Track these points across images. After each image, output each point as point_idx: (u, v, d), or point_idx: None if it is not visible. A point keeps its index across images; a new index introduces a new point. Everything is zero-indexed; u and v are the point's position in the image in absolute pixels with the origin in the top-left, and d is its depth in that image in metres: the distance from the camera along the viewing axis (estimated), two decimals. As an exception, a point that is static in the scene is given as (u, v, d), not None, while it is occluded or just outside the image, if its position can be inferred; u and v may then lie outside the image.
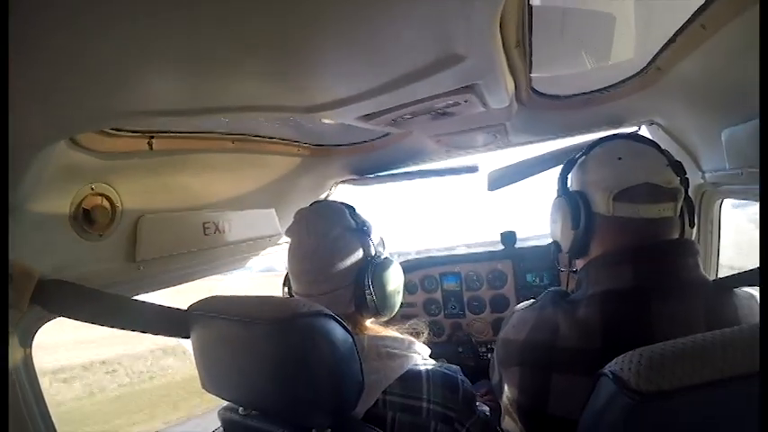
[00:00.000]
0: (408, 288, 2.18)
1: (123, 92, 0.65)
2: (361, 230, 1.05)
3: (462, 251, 2.99)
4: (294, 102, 0.88)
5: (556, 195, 1.05)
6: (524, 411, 0.92)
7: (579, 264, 1.03)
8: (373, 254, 1.05)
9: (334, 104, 0.90)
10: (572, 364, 0.86)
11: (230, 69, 0.66)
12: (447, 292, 2.18)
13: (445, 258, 2.23)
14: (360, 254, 1.03)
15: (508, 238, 2.12)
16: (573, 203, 0.97)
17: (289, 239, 1.06)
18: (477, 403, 1.05)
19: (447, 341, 2.16)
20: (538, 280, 2.07)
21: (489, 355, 2.00)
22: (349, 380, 0.79)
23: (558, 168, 1.06)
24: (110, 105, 0.68)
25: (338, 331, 0.79)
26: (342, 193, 1.99)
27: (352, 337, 0.81)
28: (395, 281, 1.06)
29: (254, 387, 0.85)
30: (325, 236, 1.01)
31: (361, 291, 1.01)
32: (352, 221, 1.05)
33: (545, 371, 0.88)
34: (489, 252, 2.18)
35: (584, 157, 1.01)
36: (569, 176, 1.04)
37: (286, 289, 1.11)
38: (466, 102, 0.99)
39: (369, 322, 1.06)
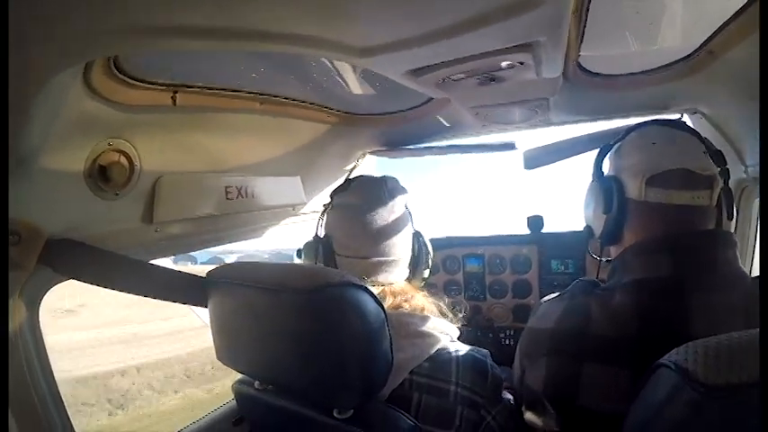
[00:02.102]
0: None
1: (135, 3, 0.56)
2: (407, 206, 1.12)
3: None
4: (338, 36, 0.78)
5: (591, 180, 1.04)
6: (553, 402, 0.89)
7: (612, 252, 1.03)
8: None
9: (382, 49, 0.81)
10: (604, 353, 0.83)
11: None
12: (469, 275, 2.12)
13: (469, 239, 2.16)
14: (411, 227, 1.12)
15: (535, 222, 2.02)
16: (606, 188, 0.96)
17: (313, 209, 1.10)
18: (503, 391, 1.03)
19: (466, 324, 2.10)
20: (563, 268, 2.00)
21: (509, 342, 2.00)
22: (379, 358, 0.76)
23: (595, 152, 1.06)
24: (125, 17, 0.58)
25: (370, 304, 0.75)
26: (367, 165, 1.90)
27: (384, 311, 0.77)
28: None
29: (275, 360, 0.82)
30: (393, 205, 1.08)
31: (414, 262, 1.12)
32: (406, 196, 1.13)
33: (575, 360, 0.86)
34: (515, 235, 2.10)
35: (620, 142, 1.00)
36: (605, 161, 1.03)
37: (320, 252, 1.08)
38: (521, 64, 0.94)
39: (412, 291, 1.08)
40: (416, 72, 0.96)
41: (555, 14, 0.73)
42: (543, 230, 2.02)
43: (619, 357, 0.81)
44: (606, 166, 1.02)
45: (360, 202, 1.06)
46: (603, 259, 1.07)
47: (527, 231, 2.04)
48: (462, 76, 1.01)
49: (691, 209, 0.88)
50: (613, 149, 1.01)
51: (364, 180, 1.12)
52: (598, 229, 1.01)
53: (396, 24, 0.74)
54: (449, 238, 2.18)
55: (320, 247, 1.06)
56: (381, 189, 1.08)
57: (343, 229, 1.05)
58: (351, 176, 1.80)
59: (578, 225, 2.12)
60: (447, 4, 0.68)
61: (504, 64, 0.93)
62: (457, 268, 2.13)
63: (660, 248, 0.87)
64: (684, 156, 0.88)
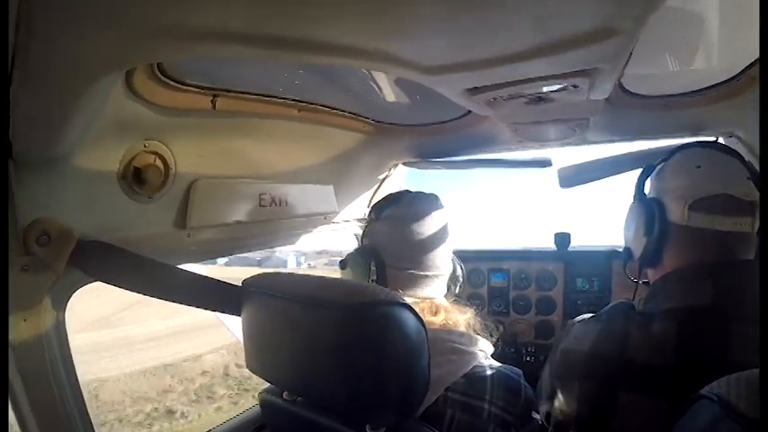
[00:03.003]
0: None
1: (191, 5, 0.54)
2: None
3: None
4: (406, 54, 0.76)
5: (632, 201, 1.02)
6: (586, 428, 0.87)
7: (650, 275, 1.01)
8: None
9: (448, 69, 0.82)
10: (641, 381, 0.81)
11: None
12: (493, 289, 2.08)
13: (494, 253, 2.13)
14: (451, 243, 1.12)
15: (562, 239, 2.01)
16: (648, 210, 0.95)
17: (344, 218, 1.12)
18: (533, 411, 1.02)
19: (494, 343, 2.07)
20: (588, 286, 1.96)
21: (530, 359, 1.98)
22: (418, 376, 0.75)
23: (632, 173, 1.07)
24: (180, 21, 0.56)
25: (412, 322, 0.74)
26: (398, 176, 1.88)
27: (425, 329, 0.76)
28: None
29: (311, 373, 0.80)
30: (440, 221, 1.09)
31: (453, 279, 1.14)
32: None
33: (611, 386, 0.83)
34: (541, 251, 2.07)
35: (663, 163, 0.98)
36: (647, 183, 1.02)
37: (370, 264, 1.06)
38: (575, 87, 0.94)
39: (449, 306, 1.09)
40: (473, 91, 0.95)
41: (624, 44, 0.72)
42: (569, 248, 2.01)
43: (656, 386, 0.79)
44: (648, 187, 1.01)
45: (412, 215, 1.07)
46: (641, 281, 1.05)
47: (553, 247, 2.03)
48: (513, 95, 1.00)
49: (732, 235, 0.86)
50: (656, 171, 0.99)
51: (414, 195, 1.13)
52: (638, 251, 0.99)
53: (466, 46, 0.74)
54: (474, 252, 2.15)
55: (371, 259, 1.05)
56: (431, 205, 1.10)
57: (395, 241, 1.05)
58: (381, 186, 1.79)
59: (604, 242, 2.10)
60: (520, 31, 0.67)
61: (559, 85, 0.93)
62: (481, 282, 2.10)
63: (702, 276, 0.85)
64: (728, 180, 0.86)
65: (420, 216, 1.07)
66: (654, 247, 0.94)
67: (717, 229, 0.86)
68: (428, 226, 1.06)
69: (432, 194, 1.14)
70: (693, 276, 0.86)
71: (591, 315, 1.02)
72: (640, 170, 1.02)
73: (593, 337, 0.91)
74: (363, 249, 1.09)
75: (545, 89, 0.96)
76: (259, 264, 17.91)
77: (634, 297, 1.12)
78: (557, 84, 0.91)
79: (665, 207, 0.92)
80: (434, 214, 1.09)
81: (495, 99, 1.02)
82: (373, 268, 1.04)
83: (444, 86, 0.94)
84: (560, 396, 0.93)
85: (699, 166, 0.90)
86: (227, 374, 11.68)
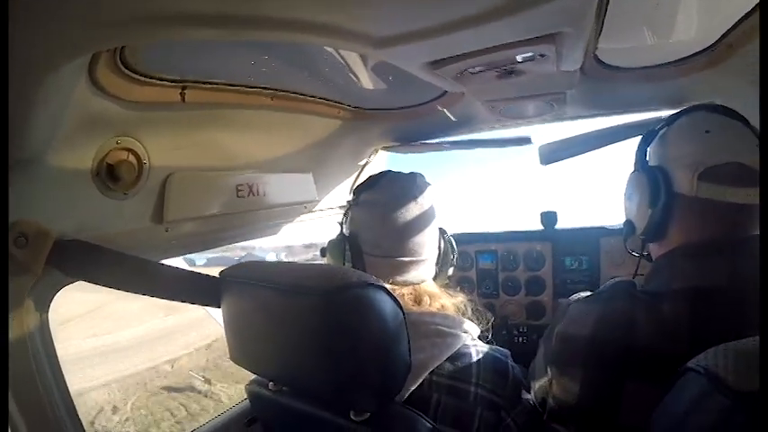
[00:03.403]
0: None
1: None
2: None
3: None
4: (354, 25, 0.74)
5: (633, 170, 0.95)
6: (588, 417, 0.83)
7: (654, 250, 0.94)
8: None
9: (400, 39, 0.78)
10: (651, 369, 0.75)
11: None
12: (482, 271, 2.08)
13: (481, 235, 2.13)
14: (437, 225, 1.09)
15: (549, 218, 2.01)
16: (652, 180, 0.87)
17: (325, 206, 1.08)
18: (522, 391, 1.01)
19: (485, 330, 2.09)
20: (576, 264, 1.96)
21: (522, 339, 1.99)
22: (397, 359, 0.75)
23: (614, 146, 1.07)
24: (127, 3, 0.54)
25: (388, 305, 0.74)
26: (379, 161, 1.87)
27: (403, 312, 0.76)
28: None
29: (291, 362, 0.80)
30: (423, 203, 1.05)
31: (441, 261, 1.11)
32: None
33: (618, 375, 0.78)
34: (528, 232, 2.07)
35: (666, 128, 0.91)
36: (648, 150, 0.94)
37: (347, 251, 1.05)
38: (542, 56, 0.90)
39: (437, 291, 1.08)
40: (434, 64, 0.92)
41: (582, 4, 0.70)
42: (557, 226, 2.01)
43: (666, 374, 0.70)
44: (649, 155, 0.94)
45: (389, 199, 1.03)
46: (645, 255, 0.99)
47: (540, 227, 2.03)
48: (481, 68, 0.98)
49: (744, 208, 0.79)
50: (659, 136, 0.92)
51: (392, 176, 1.09)
52: (641, 224, 0.92)
53: (416, 12, 0.70)
54: (461, 234, 2.14)
55: (347, 247, 1.04)
56: (411, 186, 1.06)
57: (372, 228, 1.02)
58: (362, 173, 1.78)
59: (591, 221, 2.11)
60: None
61: (524, 56, 0.90)
62: (470, 265, 2.10)
63: (714, 253, 0.80)
64: (739, 148, 0.80)
65: (397, 199, 1.03)
66: (659, 219, 0.87)
67: (728, 201, 0.80)
68: (406, 209, 1.02)
69: (412, 174, 1.09)
70: (705, 253, 0.81)
71: (588, 294, 0.97)
72: (623, 142, 0.99)
73: (594, 318, 0.85)
74: (340, 237, 1.08)
75: (511, 58, 0.92)
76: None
77: (635, 274, 1.06)
78: (522, 52, 0.88)
79: (670, 176, 0.85)
80: (414, 196, 1.04)
81: (461, 74, 1.00)
82: (348, 254, 1.03)
83: (401, 59, 0.91)
84: (558, 383, 0.88)
85: (708, 131, 0.83)
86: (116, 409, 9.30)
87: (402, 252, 1.02)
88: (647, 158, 0.94)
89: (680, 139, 0.87)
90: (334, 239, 1.09)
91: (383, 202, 1.03)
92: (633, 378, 0.77)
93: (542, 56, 0.90)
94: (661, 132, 0.92)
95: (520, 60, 0.93)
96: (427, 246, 1.05)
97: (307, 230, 1.62)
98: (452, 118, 1.55)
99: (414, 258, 1.02)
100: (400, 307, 0.76)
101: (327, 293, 0.71)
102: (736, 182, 0.79)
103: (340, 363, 0.72)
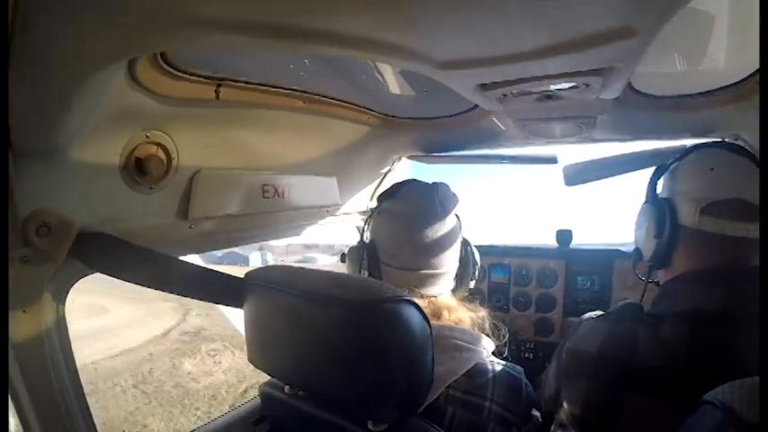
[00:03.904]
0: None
1: None
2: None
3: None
4: (420, 48, 0.74)
5: (644, 201, 1.02)
6: (589, 428, 0.87)
7: (661, 276, 1.01)
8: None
9: (462, 64, 0.79)
10: (649, 384, 0.81)
11: None
12: (494, 285, 2.06)
13: (496, 249, 2.11)
14: (460, 237, 1.09)
15: (564, 236, 2.02)
16: (659, 211, 0.94)
17: (346, 210, 1.10)
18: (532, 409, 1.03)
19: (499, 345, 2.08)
20: (589, 284, 1.95)
21: (528, 355, 1.99)
22: (423, 373, 0.76)
23: (638, 173, 1.09)
24: (184, 10, 0.54)
25: (417, 319, 0.74)
26: (402, 169, 1.85)
27: (430, 327, 0.77)
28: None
29: (313, 368, 0.81)
30: (446, 216, 1.04)
31: (461, 273, 1.11)
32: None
33: (618, 388, 0.83)
34: (542, 248, 2.06)
35: (676, 163, 0.97)
36: (659, 183, 1.01)
37: (365, 259, 1.04)
38: (586, 86, 0.92)
39: (455, 304, 1.07)
40: (483, 87, 0.93)
41: (642, 44, 0.70)
42: (571, 245, 2.01)
43: (663, 389, 0.78)
44: (660, 187, 1.01)
45: (411, 210, 1.02)
46: (650, 281, 1.05)
47: (555, 244, 2.03)
48: (525, 92, 0.98)
49: (744, 241, 0.85)
50: (669, 170, 0.99)
51: (415, 186, 1.08)
52: (648, 252, 0.98)
53: (481, 42, 0.71)
54: (476, 247, 2.12)
55: (365, 254, 1.03)
56: (434, 198, 1.04)
57: (392, 238, 1.02)
58: (385, 179, 1.77)
59: (606, 240, 2.08)
60: (537, 29, 0.65)
61: (572, 83, 0.91)
62: (482, 277, 2.05)
63: (713, 280, 0.84)
64: (741, 184, 0.86)
65: (417, 212, 1.02)
66: (664, 249, 0.93)
67: (728, 235, 0.85)
68: (426, 223, 1.01)
69: (435, 185, 1.08)
70: (706, 280, 0.86)
71: (600, 313, 1.01)
72: (647, 170, 1.01)
73: (602, 337, 0.90)
74: (360, 244, 1.07)
75: (557, 87, 0.94)
76: (221, 261, 18.06)
77: (642, 298, 1.11)
78: (570, 82, 0.89)
79: (676, 209, 0.92)
80: (435, 210, 1.03)
81: (505, 95, 0.99)
82: (365, 263, 1.02)
83: (455, 82, 0.92)
84: (566, 396, 0.92)
85: (712, 169, 0.89)
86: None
87: (419, 265, 1.01)
88: (658, 190, 1.00)
89: (687, 175, 0.94)
90: (353, 246, 1.09)
91: (404, 214, 1.02)
92: (632, 390, 0.81)
93: (587, 85, 0.91)
94: (672, 167, 0.98)
95: (564, 88, 0.94)
96: (446, 260, 1.04)
97: (306, 231, 1.60)
98: (487, 132, 1.54)
99: (431, 272, 1.02)
100: (428, 321, 0.76)
101: (360, 306, 0.71)
102: (736, 217, 0.85)
103: (366, 373, 0.72)
